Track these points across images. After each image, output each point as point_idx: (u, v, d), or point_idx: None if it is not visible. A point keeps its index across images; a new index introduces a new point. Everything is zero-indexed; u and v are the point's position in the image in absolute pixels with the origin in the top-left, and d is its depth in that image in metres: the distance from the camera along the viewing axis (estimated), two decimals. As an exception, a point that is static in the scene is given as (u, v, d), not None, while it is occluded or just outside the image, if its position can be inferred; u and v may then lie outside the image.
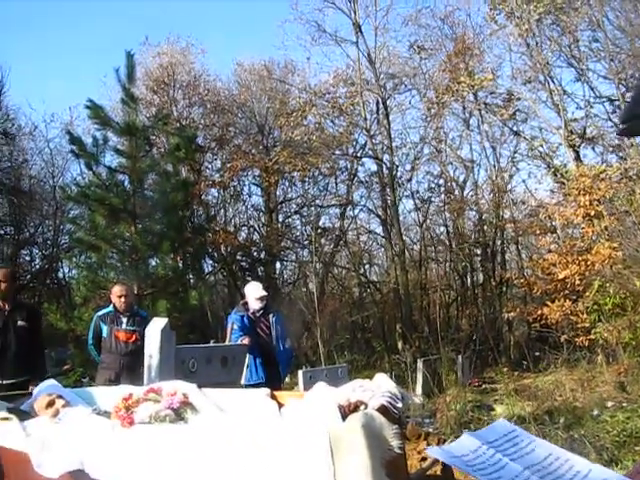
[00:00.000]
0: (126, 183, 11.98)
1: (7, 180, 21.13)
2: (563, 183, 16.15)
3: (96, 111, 11.77)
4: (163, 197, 11.86)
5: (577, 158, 16.72)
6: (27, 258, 23.80)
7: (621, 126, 1.03)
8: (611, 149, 17.39)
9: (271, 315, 7.58)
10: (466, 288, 21.62)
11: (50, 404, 3.61)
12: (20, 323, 6.24)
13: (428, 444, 6.38)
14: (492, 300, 20.14)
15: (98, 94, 27.70)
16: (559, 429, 7.36)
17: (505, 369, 14.76)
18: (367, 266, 24.12)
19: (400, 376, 12.68)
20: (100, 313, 7.34)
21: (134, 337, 7.05)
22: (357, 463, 2.65)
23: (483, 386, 13.37)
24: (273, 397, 3.71)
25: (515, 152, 20.85)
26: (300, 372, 9.42)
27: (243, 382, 7.15)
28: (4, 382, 5.91)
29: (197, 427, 3.18)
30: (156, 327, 5.95)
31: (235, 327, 7.30)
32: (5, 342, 6.11)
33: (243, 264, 22.43)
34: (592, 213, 12.89)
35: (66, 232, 20.96)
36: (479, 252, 21.20)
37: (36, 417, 3.55)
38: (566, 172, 16.45)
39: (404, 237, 20.97)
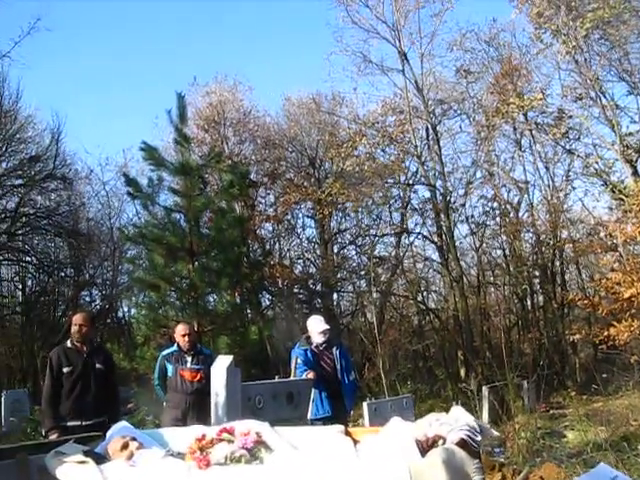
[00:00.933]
0: (182, 222, 12.11)
1: (66, 223, 21.63)
2: (622, 199, 15.82)
3: (150, 152, 11.96)
4: (219, 234, 11.94)
5: (635, 173, 16.37)
6: (87, 299, 24.28)
7: None
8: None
9: (334, 348, 7.53)
10: (527, 311, 21.27)
11: (124, 447, 3.61)
12: (98, 366, 6.35)
13: (503, 476, 6.22)
14: (554, 322, 19.75)
15: (151, 135, 28.34)
16: (639, 456, 7.10)
17: (573, 393, 14.43)
18: (425, 293, 23.91)
19: (465, 404, 12.46)
20: (165, 352, 7.39)
21: (199, 376, 7.07)
22: (440, 500, 2.58)
23: (551, 412, 13.08)
24: (347, 433, 3.64)
25: (569, 170, 20.56)
26: (365, 404, 9.32)
27: (310, 417, 7.09)
28: (83, 423, 5.99)
29: (273, 467, 3.14)
30: (221, 365, 5.95)
31: (299, 362, 7.26)
32: (86, 384, 6.21)
33: (300, 297, 22.44)
34: (656, 229, 12.60)
35: (124, 272, 21.34)
36: (538, 274, 20.86)
37: (111, 460, 3.55)
38: (624, 188, 16.11)
39: (461, 262, 20.75)
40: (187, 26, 39.50)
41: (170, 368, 7.17)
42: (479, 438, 2.92)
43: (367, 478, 2.79)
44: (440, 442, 2.98)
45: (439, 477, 2.61)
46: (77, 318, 6.43)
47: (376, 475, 2.77)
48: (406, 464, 2.68)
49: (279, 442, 3.49)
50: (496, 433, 3.48)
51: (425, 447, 2.96)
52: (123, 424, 4.11)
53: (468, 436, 2.88)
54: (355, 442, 3.50)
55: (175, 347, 7.31)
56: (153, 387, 7.76)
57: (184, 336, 7.21)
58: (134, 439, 3.70)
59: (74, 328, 6.33)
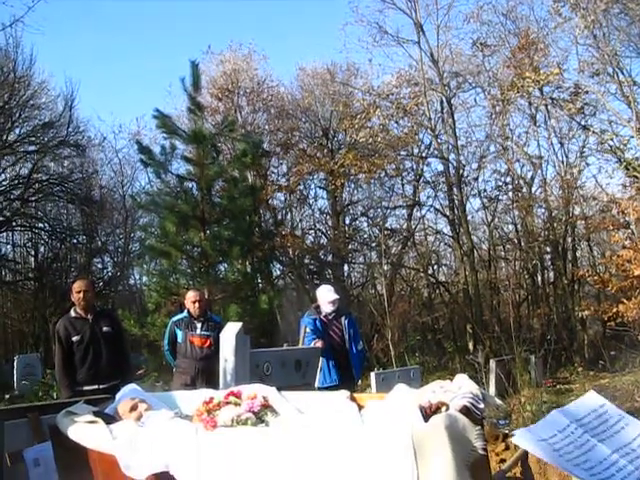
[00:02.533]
0: (194, 190, 12.17)
1: (79, 191, 21.71)
2: (636, 177, 15.73)
3: (163, 120, 11.98)
4: (231, 203, 11.99)
5: (650, 150, 16.27)
6: (99, 266, 24.43)
7: None
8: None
9: (343, 318, 7.58)
10: (537, 287, 21.25)
11: (133, 408, 3.70)
12: (105, 329, 6.43)
13: (507, 446, 6.29)
14: (564, 298, 19.73)
15: (164, 103, 28.30)
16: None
17: (580, 369, 14.48)
18: (435, 266, 23.90)
19: (473, 377, 12.48)
20: (175, 319, 7.47)
21: (208, 342, 7.16)
22: (441, 465, 2.62)
23: (558, 386, 13.14)
24: (353, 399, 3.70)
25: (584, 147, 20.34)
26: (372, 374, 9.41)
27: (317, 385, 7.18)
28: (100, 387, 6.09)
29: (278, 430, 3.20)
30: (231, 331, 6.02)
31: (308, 330, 7.33)
32: (97, 349, 6.30)
33: (311, 267, 22.51)
34: (668, 207, 12.53)
35: (137, 240, 21.49)
36: (549, 250, 20.78)
37: (120, 421, 3.63)
38: (639, 165, 16.00)
39: (472, 236, 20.72)
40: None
41: (180, 334, 7.26)
42: (482, 406, 2.95)
43: (371, 442, 2.84)
44: (443, 409, 3.02)
45: (441, 442, 2.65)
46: (79, 285, 6.46)
47: (380, 439, 2.82)
48: (409, 429, 2.72)
49: (285, 406, 3.56)
50: (499, 402, 3.53)
51: (428, 413, 3.01)
52: (132, 386, 4.18)
53: (471, 403, 2.92)
54: (360, 407, 3.57)
55: (185, 313, 7.40)
56: (163, 354, 7.87)
57: (194, 302, 7.29)
58: (143, 401, 3.78)
59: (77, 296, 6.37)
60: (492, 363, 11.77)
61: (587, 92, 18.50)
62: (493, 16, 20.38)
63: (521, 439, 1.30)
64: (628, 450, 1.32)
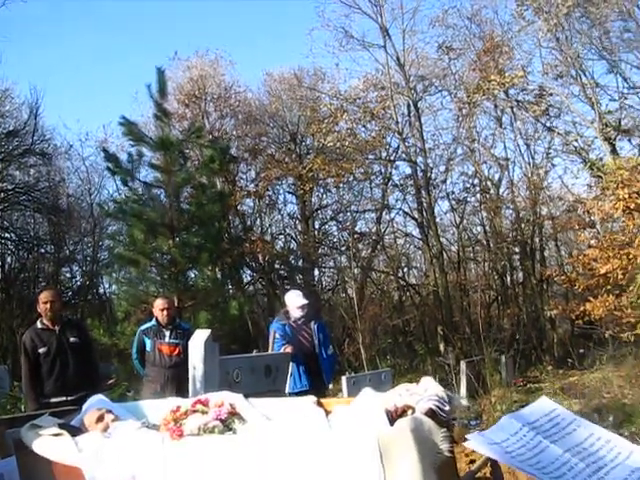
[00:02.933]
0: (162, 197, 12.08)
1: (46, 200, 21.46)
2: (600, 177, 15.90)
3: (129, 127, 11.89)
4: (200, 209, 11.93)
5: (613, 151, 16.48)
6: (68, 275, 24.16)
7: None
8: None
9: (313, 322, 7.57)
10: (506, 287, 21.43)
11: (100, 419, 3.66)
12: (73, 340, 6.34)
13: (476, 446, 6.31)
14: (533, 298, 19.94)
15: (131, 110, 28.11)
16: (608, 427, 7.25)
17: (550, 367, 14.63)
18: (405, 269, 24.05)
19: (444, 378, 12.59)
20: (143, 327, 7.42)
21: (177, 350, 7.11)
22: (407, 468, 2.64)
23: (528, 385, 13.25)
24: (320, 404, 3.71)
25: (550, 148, 20.63)
26: (343, 378, 9.42)
27: (287, 390, 7.15)
28: (68, 398, 6.02)
29: (245, 437, 3.19)
30: (199, 339, 5.99)
31: (277, 336, 7.32)
32: (64, 361, 6.22)
33: (282, 272, 22.51)
34: (632, 206, 12.66)
35: (105, 248, 21.25)
36: (518, 250, 20.99)
37: (86, 432, 3.60)
38: (603, 166, 16.19)
39: (441, 238, 20.88)
40: (169, 1, 38.99)
41: (148, 342, 7.20)
42: (447, 408, 2.98)
43: (338, 447, 2.85)
44: (409, 412, 3.04)
45: (407, 445, 2.66)
46: (45, 295, 6.37)
47: (346, 444, 2.83)
48: (375, 433, 2.74)
49: (252, 413, 3.56)
50: (465, 403, 3.55)
51: (394, 417, 3.02)
52: (99, 397, 4.15)
53: (437, 406, 2.94)
54: (327, 412, 3.57)
55: (153, 322, 7.34)
56: (132, 363, 7.80)
57: (162, 310, 7.24)
58: (109, 411, 3.75)
59: (43, 306, 6.26)
60: (462, 364, 11.85)
61: (551, 94, 18.76)
62: (458, 20, 20.60)
63: (474, 443, 1.32)
64: (579, 449, 1.36)
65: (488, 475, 4.76)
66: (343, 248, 21.87)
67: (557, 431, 1.40)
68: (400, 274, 22.88)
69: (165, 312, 7.23)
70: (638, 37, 15.45)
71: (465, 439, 1.60)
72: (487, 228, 21.97)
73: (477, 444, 1.27)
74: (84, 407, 3.99)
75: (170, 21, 40.14)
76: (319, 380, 7.42)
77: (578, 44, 17.24)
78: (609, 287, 13.12)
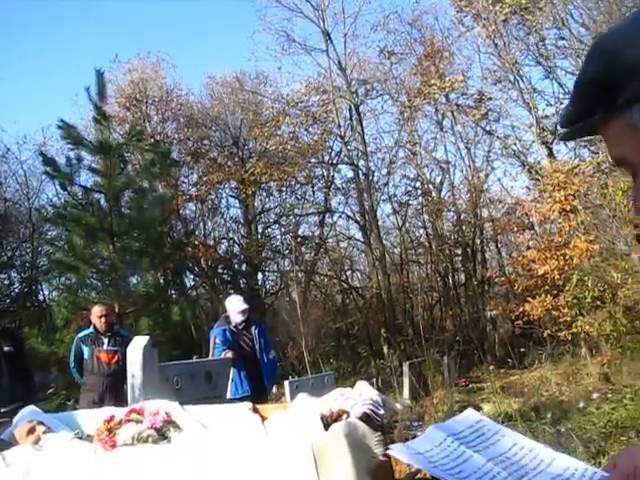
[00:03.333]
0: (102, 202, 11.90)
1: (-18, 204, 20.98)
2: (538, 180, 16.26)
3: (68, 131, 11.69)
4: (140, 214, 11.81)
5: (550, 154, 16.83)
6: (6, 282, 23.58)
7: (562, 130, 1.04)
8: (583, 144, 17.49)
9: (253, 327, 7.57)
10: (448, 289, 21.68)
11: (31, 431, 3.56)
12: (6, 349, 6.18)
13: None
14: (475, 299, 20.22)
15: (70, 113, 27.61)
16: (546, 424, 7.41)
17: (491, 367, 14.83)
18: (349, 272, 24.18)
19: (387, 381, 12.69)
20: (81, 335, 7.31)
21: (116, 357, 7.02)
22: (342, 472, 2.65)
23: (470, 385, 13.41)
24: (256, 411, 3.69)
25: (489, 151, 21.02)
26: (286, 382, 9.39)
27: (229, 396, 7.12)
28: (2, 410, 5.87)
29: (180, 446, 3.16)
30: (137, 346, 5.92)
31: (218, 341, 7.29)
32: None
33: (225, 277, 22.39)
34: (568, 208, 12.97)
35: (44, 254, 20.82)
36: (459, 252, 21.29)
37: (17, 445, 3.51)
38: (540, 169, 16.57)
39: (384, 241, 21.04)
40: (109, 3, 38.41)
41: (86, 350, 7.10)
42: (382, 412, 3.00)
43: (274, 453, 2.84)
44: (344, 416, 3.05)
45: (341, 450, 2.67)
46: None
47: (282, 450, 2.82)
48: (309, 439, 2.74)
49: (188, 421, 3.52)
50: (399, 407, 3.58)
51: (329, 421, 3.03)
52: (31, 408, 4.04)
53: (371, 410, 2.96)
54: (263, 418, 3.56)
55: (91, 329, 7.24)
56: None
57: (100, 317, 7.14)
58: (41, 423, 3.66)
59: None
60: (405, 366, 11.93)
61: (490, 99, 19.07)
62: (399, 25, 20.85)
63: (397, 453, 1.33)
64: (503, 459, 1.38)
65: (428, 476, 4.81)
66: (286, 252, 21.87)
67: (481, 441, 1.42)
68: (343, 277, 23.00)
69: (103, 319, 7.14)
70: (572, 44, 15.80)
71: (388, 448, 1.61)
72: (429, 230, 22.22)
73: (401, 454, 1.28)
74: (15, 419, 3.89)
75: (111, 23, 39.56)
76: (261, 385, 7.42)
77: (516, 50, 17.60)
78: (547, 287, 13.41)
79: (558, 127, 14.34)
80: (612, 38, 0.91)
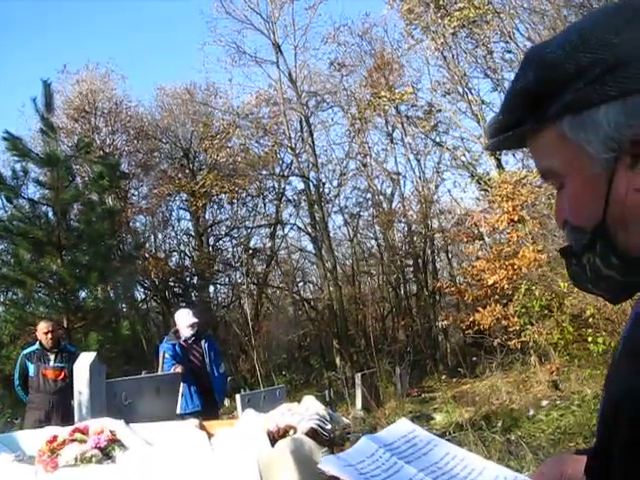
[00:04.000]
0: (50, 215, 11.71)
1: None
2: (487, 190, 16.46)
3: (14, 142, 11.48)
4: (89, 227, 11.64)
5: (499, 165, 17.06)
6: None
7: (488, 141, 1.05)
8: (531, 155, 17.78)
9: (203, 341, 7.51)
10: (400, 299, 21.78)
11: (-31, 454, 3.48)
12: None
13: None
14: (426, 309, 20.36)
15: (17, 125, 27.16)
16: (497, 433, 7.48)
17: (443, 377, 14.95)
18: (301, 284, 24.17)
19: (339, 392, 12.68)
20: (26, 351, 7.17)
21: (63, 374, 6.90)
22: (288, 489, 2.63)
23: (422, 395, 13.50)
24: (202, 427, 3.65)
25: (439, 163, 21.24)
26: (238, 396, 9.30)
27: (179, 411, 7.03)
28: None
29: (125, 465, 3.11)
30: (84, 362, 5.80)
31: (167, 356, 7.20)
32: None
33: (176, 290, 22.21)
34: (516, 218, 13.14)
35: (-11, 268, 20.39)
36: (411, 263, 21.43)
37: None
38: (489, 180, 16.77)
39: (335, 253, 21.08)
40: (57, 13, 37.90)
41: (31, 367, 6.96)
42: (329, 426, 2.99)
43: (220, 470, 2.81)
44: (291, 432, 3.04)
45: (287, 466, 2.66)
46: None
47: (228, 467, 2.79)
48: (255, 455, 2.72)
49: (133, 439, 3.46)
50: (346, 421, 3.57)
51: (276, 437, 3.01)
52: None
53: (318, 425, 2.95)
54: (210, 435, 3.52)
55: (37, 345, 7.10)
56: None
57: (47, 333, 7.02)
58: (-19, 444, 3.57)
59: None
60: (357, 377, 11.95)
61: (440, 110, 19.30)
62: (349, 37, 20.99)
63: (326, 465, 1.32)
64: (434, 469, 1.39)
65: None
66: (238, 264, 21.80)
67: (414, 452, 1.42)
68: (295, 289, 22.98)
69: (49, 335, 7.02)
70: (519, 58, 16.08)
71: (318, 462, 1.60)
72: (380, 242, 22.35)
73: (331, 466, 1.27)
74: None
75: (59, 33, 39.04)
76: (211, 400, 7.36)
77: (464, 63, 17.85)
78: (497, 297, 13.56)
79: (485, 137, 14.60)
80: (549, 50, 0.92)
